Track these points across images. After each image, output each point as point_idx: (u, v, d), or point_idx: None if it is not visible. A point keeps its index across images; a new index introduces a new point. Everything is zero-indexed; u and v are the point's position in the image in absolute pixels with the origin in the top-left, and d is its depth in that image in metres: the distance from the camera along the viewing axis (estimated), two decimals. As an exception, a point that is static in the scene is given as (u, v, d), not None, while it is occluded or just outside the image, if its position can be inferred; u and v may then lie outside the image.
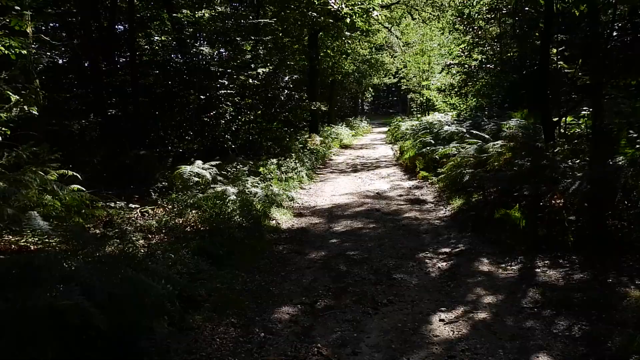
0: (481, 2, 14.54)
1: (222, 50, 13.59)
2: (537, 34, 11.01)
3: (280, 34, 16.56)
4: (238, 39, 12.89)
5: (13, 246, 4.95)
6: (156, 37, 13.44)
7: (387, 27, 26.14)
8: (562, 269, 5.14)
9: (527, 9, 11.33)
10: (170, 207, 7.27)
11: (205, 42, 13.30)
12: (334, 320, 4.27)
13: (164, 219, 6.47)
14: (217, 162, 9.14)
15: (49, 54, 10.16)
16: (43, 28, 13.99)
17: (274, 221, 7.75)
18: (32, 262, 2.89)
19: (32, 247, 4.84)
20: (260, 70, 12.73)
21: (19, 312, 2.56)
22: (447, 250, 6.12)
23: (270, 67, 14.17)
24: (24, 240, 4.94)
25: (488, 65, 14.37)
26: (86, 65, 12.59)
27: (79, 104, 12.34)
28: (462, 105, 17.16)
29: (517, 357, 3.54)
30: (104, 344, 2.95)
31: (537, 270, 5.20)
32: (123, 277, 3.24)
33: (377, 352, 3.70)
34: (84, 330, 2.84)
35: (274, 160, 11.77)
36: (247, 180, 8.93)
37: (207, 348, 3.76)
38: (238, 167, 9.98)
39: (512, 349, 3.64)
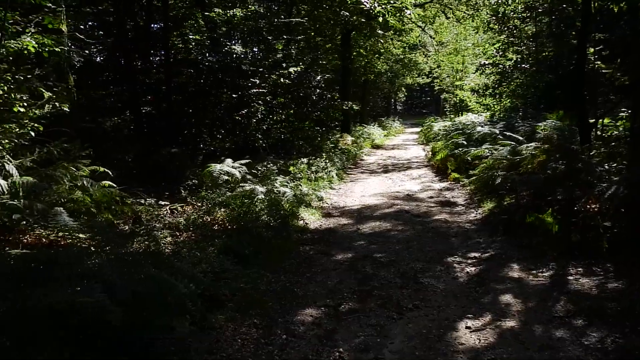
0: (517, 1, 14.19)
1: (255, 49, 13.68)
2: (573, 32, 10.66)
3: (313, 33, 16.57)
4: (270, 37, 12.94)
5: (44, 240, 5.08)
6: (191, 36, 13.62)
7: (420, 26, 25.82)
8: (595, 276, 4.95)
9: (563, 6, 10.99)
10: (199, 205, 7.35)
11: (238, 41, 13.41)
12: (358, 324, 4.21)
13: (192, 217, 6.53)
14: (247, 161, 9.19)
15: (87, 52, 10.42)
16: (82, 27, 14.38)
17: (302, 221, 7.73)
18: (54, 259, 2.92)
19: (62, 242, 4.96)
20: (291, 69, 12.74)
21: (39, 309, 2.58)
22: (476, 254, 5.97)
23: (302, 67, 14.18)
24: (54, 234, 5.05)
25: (523, 65, 14.01)
26: (122, 63, 12.85)
27: (115, 101, 12.62)
28: (496, 106, 16.80)
29: (545, 369, 3.41)
30: (122, 342, 2.95)
31: (570, 277, 5.02)
32: (146, 275, 3.25)
33: (399, 359, 3.63)
34: (102, 328, 2.86)
35: (305, 160, 11.77)
36: (277, 179, 8.94)
37: (228, 349, 3.75)
38: (268, 166, 10.02)
39: (540, 360, 3.52)
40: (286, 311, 4.50)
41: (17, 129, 5.31)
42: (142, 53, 12.87)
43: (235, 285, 4.77)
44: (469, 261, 5.74)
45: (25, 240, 5.05)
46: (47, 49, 5.15)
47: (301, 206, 8.29)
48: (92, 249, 3.97)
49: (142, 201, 7.00)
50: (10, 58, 5.02)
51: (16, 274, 2.83)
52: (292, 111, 14.31)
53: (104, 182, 6.18)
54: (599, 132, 7.98)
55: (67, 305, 2.70)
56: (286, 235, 6.70)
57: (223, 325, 4.08)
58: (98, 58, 14.28)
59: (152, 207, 6.87)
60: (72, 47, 8.30)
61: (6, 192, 4.32)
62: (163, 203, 7.18)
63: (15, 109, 5.29)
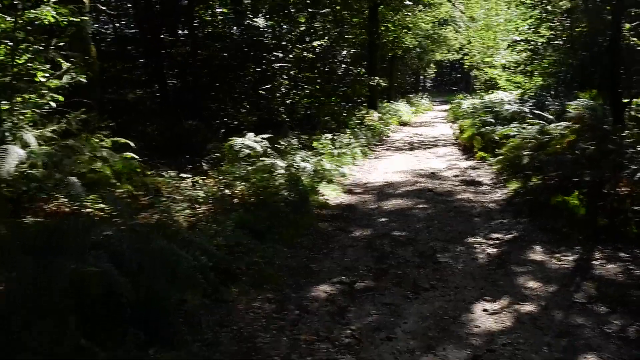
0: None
1: (281, 23, 13.46)
2: (608, 7, 10.12)
3: (339, 7, 16.22)
4: (293, 10, 12.71)
5: (66, 209, 5.14)
6: (217, 9, 13.48)
7: (450, 0, 25.02)
8: (622, 262, 4.76)
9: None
10: (220, 178, 7.34)
11: (263, 15, 13.21)
12: (372, 303, 4.14)
13: (211, 190, 6.54)
14: (269, 135, 9.11)
15: (116, 24, 10.45)
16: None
17: (322, 197, 7.67)
18: (63, 228, 2.93)
19: (78, 212, 5.00)
20: (315, 43, 12.54)
21: (43, 279, 2.58)
22: (498, 235, 5.80)
23: (328, 41, 13.93)
24: (76, 204, 5.09)
25: (556, 42, 13.41)
26: (149, 36, 12.84)
27: (141, 74, 12.67)
28: (527, 84, 16.22)
29: (562, 356, 3.28)
30: (131, 314, 2.95)
31: (594, 262, 4.84)
32: (155, 247, 3.25)
33: (412, 339, 3.55)
34: (110, 299, 2.86)
35: (329, 135, 11.64)
36: (298, 154, 8.87)
37: (240, 322, 3.74)
38: (290, 141, 9.94)
39: (557, 346, 3.39)
40: (300, 287, 4.47)
41: (37, 99, 5.35)
42: (168, 26, 12.83)
43: (250, 259, 4.74)
44: (490, 242, 5.59)
45: (46, 210, 5.13)
46: (65, 19, 5.15)
47: (322, 182, 8.22)
48: (97, 219, 3.98)
49: (164, 173, 7.02)
50: (28, 28, 5.03)
51: (26, 243, 2.84)
52: (317, 86, 14.13)
53: (125, 153, 6.20)
54: (632, 112, 7.62)
55: (73, 275, 2.69)
56: (305, 211, 6.63)
57: (235, 298, 4.07)
58: (124, 30, 14.32)
59: (173, 179, 6.89)
60: (100, 18, 8.31)
61: (25, 162, 4.37)
62: (184, 176, 7.20)
63: (36, 79, 5.32)
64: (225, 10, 13.37)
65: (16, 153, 4.13)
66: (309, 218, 6.55)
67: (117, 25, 14.54)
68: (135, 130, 8.61)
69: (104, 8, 8.89)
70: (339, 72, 14.75)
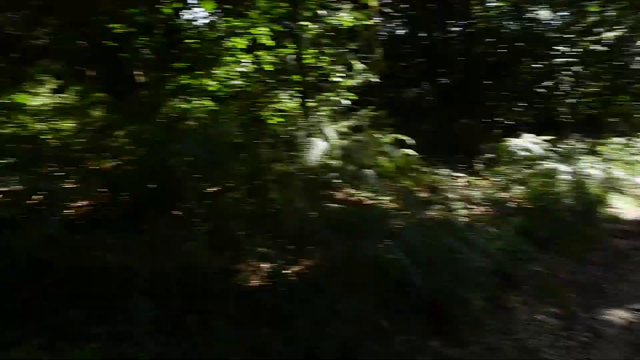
0: None
1: (564, 13, 12.22)
2: None
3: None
4: (582, -2, 11.39)
5: (352, 198, 5.67)
6: (492, 4, 13.02)
7: None
8: None
9: None
10: (494, 180, 7.10)
11: (544, 6, 12.20)
12: (688, 342, 3.43)
13: (487, 192, 6.38)
14: (549, 138, 8.40)
15: (393, 24, 11.09)
16: (388, 1, 15.26)
17: (612, 209, 6.71)
18: (362, 216, 3.26)
19: (367, 201, 5.44)
20: (609, 35, 11.01)
21: (349, 259, 2.89)
22: None
23: (623, 30, 12.06)
24: (361, 194, 5.57)
25: None
26: (421, 35, 13.15)
27: (414, 73, 13.12)
28: None
29: None
30: (417, 301, 3.09)
31: None
32: (442, 243, 3.36)
33: None
34: (401, 285, 3.04)
35: (619, 139, 10.09)
36: (583, 159, 7.94)
37: (522, 332, 3.55)
38: (573, 144, 8.96)
39: None
40: (590, 307, 4.00)
41: (334, 97, 6.04)
42: (441, 24, 12.94)
43: (531, 268, 4.45)
44: None
45: (337, 197, 5.76)
46: (359, 24, 5.69)
47: (612, 192, 7.18)
48: (391, 211, 4.26)
49: (437, 171, 7.13)
50: (329, 34, 5.70)
51: (335, 225, 3.25)
52: (607, 83, 12.38)
53: (403, 150, 6.51)
54: None
55: (373, 260, 2.95)
56: (592, 223, 5.90)
57: (517, 307, 3.87)
58: (399, 31, 15.03)
59: (447, 177, 6.95)
60: (380, 21, 8.90)
61: (326, 154, 4.99)
62: (457, 174, 7.19)
63: (330, 79, 6.03)
64: (501, 4, 12.79)
65: (320, 145, 4.73)
66: (598, 231, 5.80)
67: (392, 25, 15.35)
68: (411, 127, 8.96)
69: (389, 10, 9.47)
70: (634, 66, 12.64)
